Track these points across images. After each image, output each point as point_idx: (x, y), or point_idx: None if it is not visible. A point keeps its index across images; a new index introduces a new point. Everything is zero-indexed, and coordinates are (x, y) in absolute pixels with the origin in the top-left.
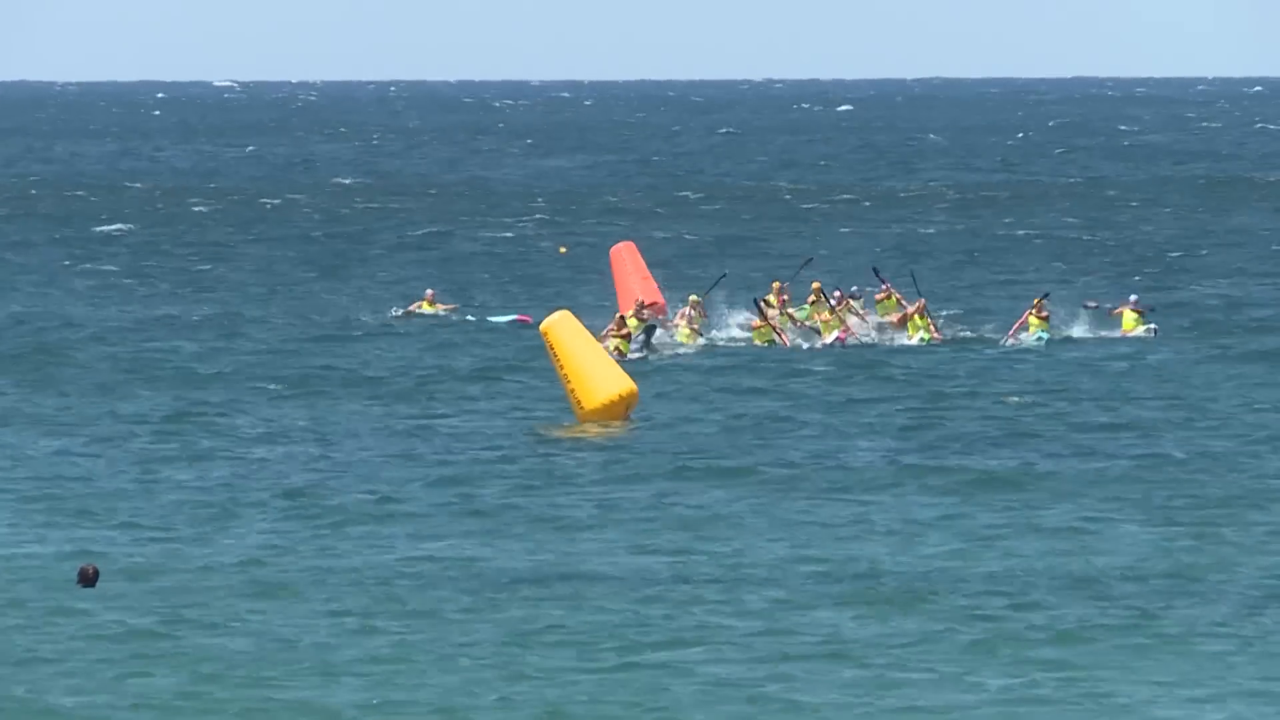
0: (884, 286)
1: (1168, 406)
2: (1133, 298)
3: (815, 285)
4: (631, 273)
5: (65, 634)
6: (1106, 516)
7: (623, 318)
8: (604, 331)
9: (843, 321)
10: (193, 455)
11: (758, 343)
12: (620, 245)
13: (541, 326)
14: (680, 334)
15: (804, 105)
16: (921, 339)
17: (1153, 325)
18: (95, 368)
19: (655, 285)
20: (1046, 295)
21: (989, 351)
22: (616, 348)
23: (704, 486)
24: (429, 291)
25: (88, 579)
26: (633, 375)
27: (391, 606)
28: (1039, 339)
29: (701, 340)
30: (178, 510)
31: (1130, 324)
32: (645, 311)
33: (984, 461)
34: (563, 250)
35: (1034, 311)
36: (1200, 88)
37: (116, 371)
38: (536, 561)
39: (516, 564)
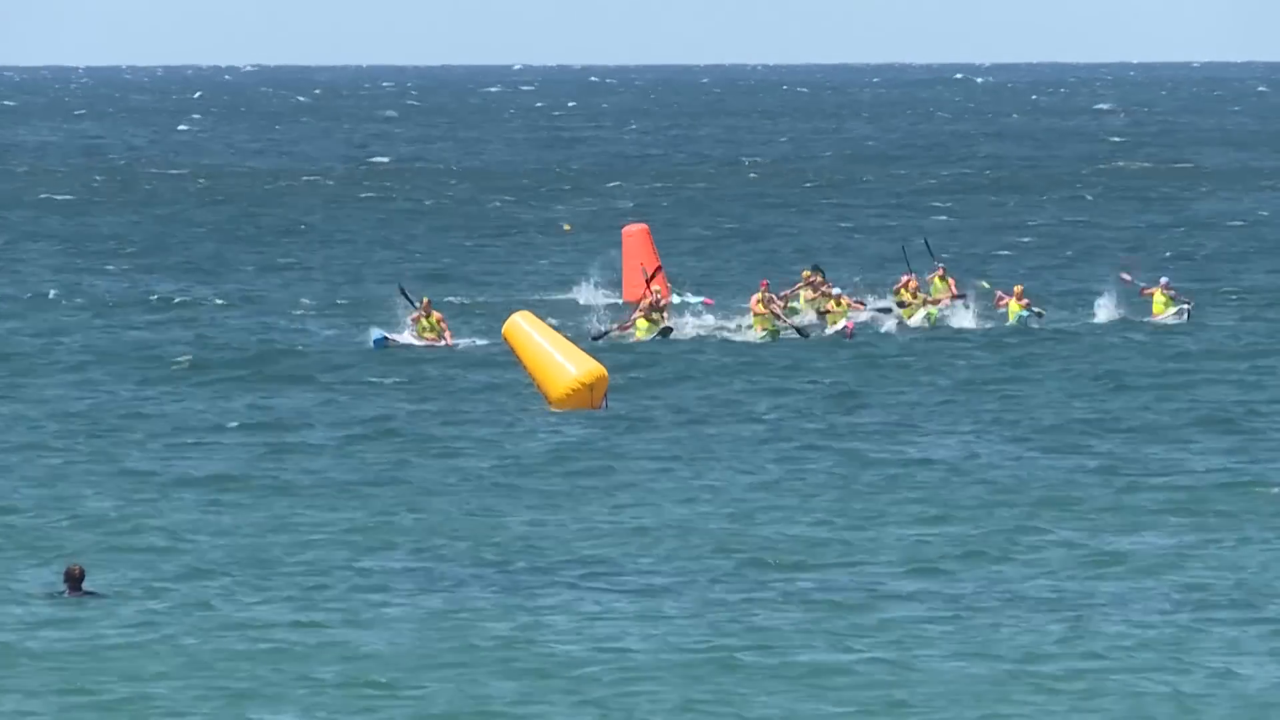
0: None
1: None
2: (1163, 279)
3: (805, 273)
4: (641, 256)
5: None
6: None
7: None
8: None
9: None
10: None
11: (759, 331)
12: (633, 227)
13: (502, 332)
14: (638, 327)
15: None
16: (928, 315)
17: (1185, 307)
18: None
19: (661, 272)
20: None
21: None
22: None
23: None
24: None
25: (74, 580)
26: (606, 363)
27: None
28: (1020, 318)
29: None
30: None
31: (1160, 307)
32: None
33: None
34: (566, 228)
35: (1014, 297)
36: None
37: None
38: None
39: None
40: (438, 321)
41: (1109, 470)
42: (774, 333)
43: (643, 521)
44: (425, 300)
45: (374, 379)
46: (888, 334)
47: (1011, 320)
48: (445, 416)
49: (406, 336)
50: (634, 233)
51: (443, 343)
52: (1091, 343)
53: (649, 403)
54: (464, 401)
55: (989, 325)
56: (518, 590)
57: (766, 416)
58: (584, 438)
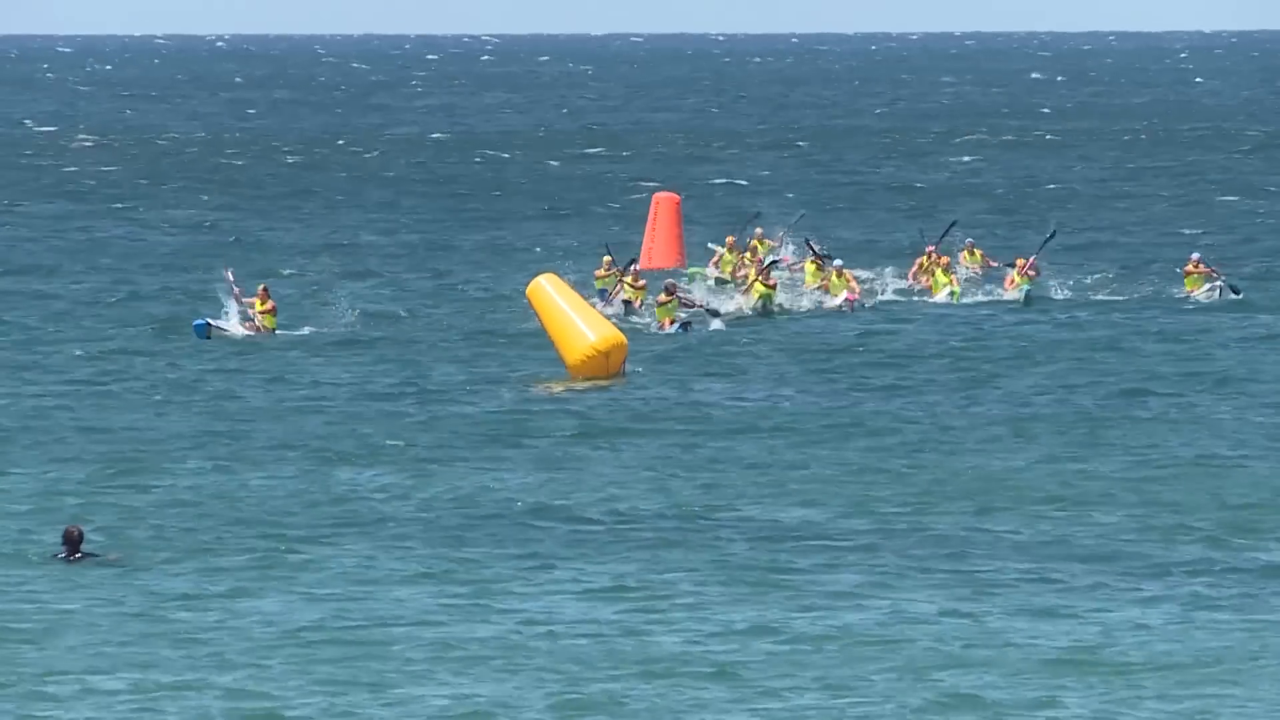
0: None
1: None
2: (1195, 255)
3: (754, 243)
4: (664, 225)
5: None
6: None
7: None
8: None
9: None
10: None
11: (755, 299)
12: (663, 195)
13: (527, 292)
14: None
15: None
16: (951, 293)
17: (1218, 284)
18: None
19: (680, 243)
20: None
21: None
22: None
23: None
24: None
25: (73, 542)
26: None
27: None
28: (1022, 291)
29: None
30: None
31: (1193, 283)
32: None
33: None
34: None
35: (1018, 270)
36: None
37: None
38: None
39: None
40: (271, 310)
41: (1117, 453)
42: (767, 299)
43: (628, 495)
44: (262, 287)
45: (395, 343)
46: (896, 309)
47: (1016, 294)
48: (456, 382)
49: (234, 324)
50: (663, 200)
51: (269, 330)
52: (1106, 320)
53: (658, 376)
54: (475, 366)
55: (1011, 301)
56: (526, 555)
57: (766, 391)
58: (590, 406)
